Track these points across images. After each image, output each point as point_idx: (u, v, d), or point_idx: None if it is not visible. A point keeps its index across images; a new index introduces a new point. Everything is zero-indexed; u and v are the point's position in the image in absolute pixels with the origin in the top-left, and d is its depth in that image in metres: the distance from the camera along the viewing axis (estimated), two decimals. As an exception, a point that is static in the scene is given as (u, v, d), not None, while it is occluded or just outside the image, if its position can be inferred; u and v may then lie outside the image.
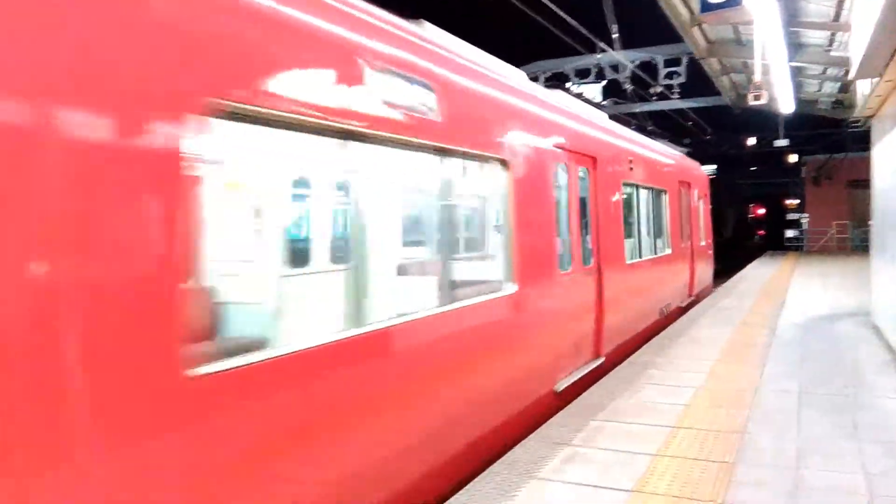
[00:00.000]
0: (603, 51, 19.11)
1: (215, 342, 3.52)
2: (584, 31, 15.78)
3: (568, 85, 22.42)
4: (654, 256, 11.37)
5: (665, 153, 13.09)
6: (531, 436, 5.62)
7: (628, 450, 5.23)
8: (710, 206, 17.46)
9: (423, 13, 5.55)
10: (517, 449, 5.33)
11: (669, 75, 22.06)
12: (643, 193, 11.00)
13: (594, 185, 8.20)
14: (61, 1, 2.43)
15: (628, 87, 22.12)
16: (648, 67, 22.09)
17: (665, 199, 12.30)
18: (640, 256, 10.44)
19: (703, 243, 15.95)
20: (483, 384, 5.40)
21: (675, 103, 24.12)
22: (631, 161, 9.84)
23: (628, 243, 9.75)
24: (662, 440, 5.44)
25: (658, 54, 22.09)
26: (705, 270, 16.28)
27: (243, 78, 3.17)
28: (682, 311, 13.09)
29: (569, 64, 22.31)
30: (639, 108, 24.40)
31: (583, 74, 22.78)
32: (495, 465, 4.99)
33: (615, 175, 8.98)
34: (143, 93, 2.69)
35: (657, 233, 11.79)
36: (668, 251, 12.24)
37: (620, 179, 9.20)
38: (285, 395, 3.34)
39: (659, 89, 22.42)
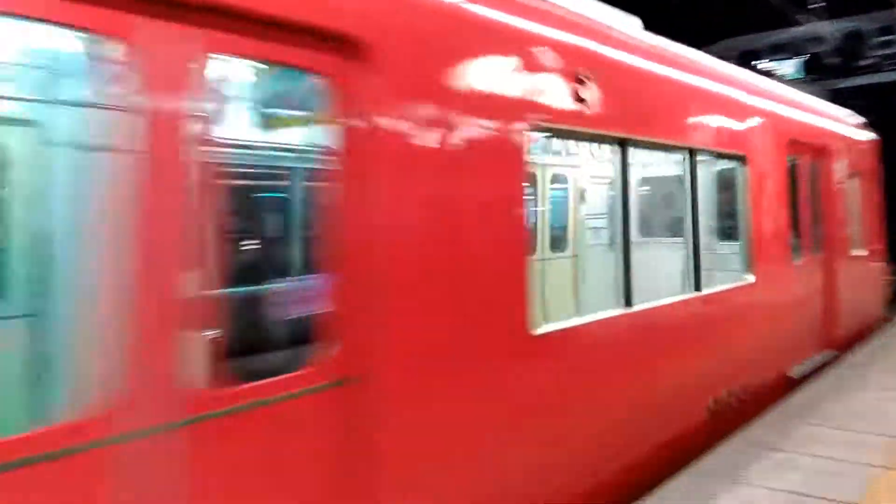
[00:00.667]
0: (799, 23, 17.66)
1: None
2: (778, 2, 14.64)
3: (758, 63, 20.91)
4: (694, 296, 5.64)
5: (746, 83, 7.10)
6: (733, 438, 5.30)
7: (845, 458, 4.77)
8: (880, 188, 11.03)
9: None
10: (718, 451, 5.04)
11: (882, 45, 19.88)
12: (667, 163, 6.10)
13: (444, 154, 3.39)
14: None
15: (832, 60, 20.20)
16: (855, 38, 20.10)
17: (744, 175, 6.53)
18: (643, 300, 4.97)
19: (858, 252, 9.72)
20: None
21: (890, 76, 21.62)
22: (616, 81, 4.71)
23: (601, 273, 5.10)
24: (886, 450, 4.90)
25: (867, 22, 20.10)
26: (866, 297, 10.02)
27: None
28: (796, 382, 7.12)
29: (763, 40, 20.85)
30: (846, 83, 22.13)
31: (777, 50, 21.19)
32: (692, 467, 4.75)
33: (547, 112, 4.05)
34: None
35: (717, 244, 6.53)
36: (750, 279, 6.45)
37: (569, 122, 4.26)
38: None
39: (869, 61, 20.26)
